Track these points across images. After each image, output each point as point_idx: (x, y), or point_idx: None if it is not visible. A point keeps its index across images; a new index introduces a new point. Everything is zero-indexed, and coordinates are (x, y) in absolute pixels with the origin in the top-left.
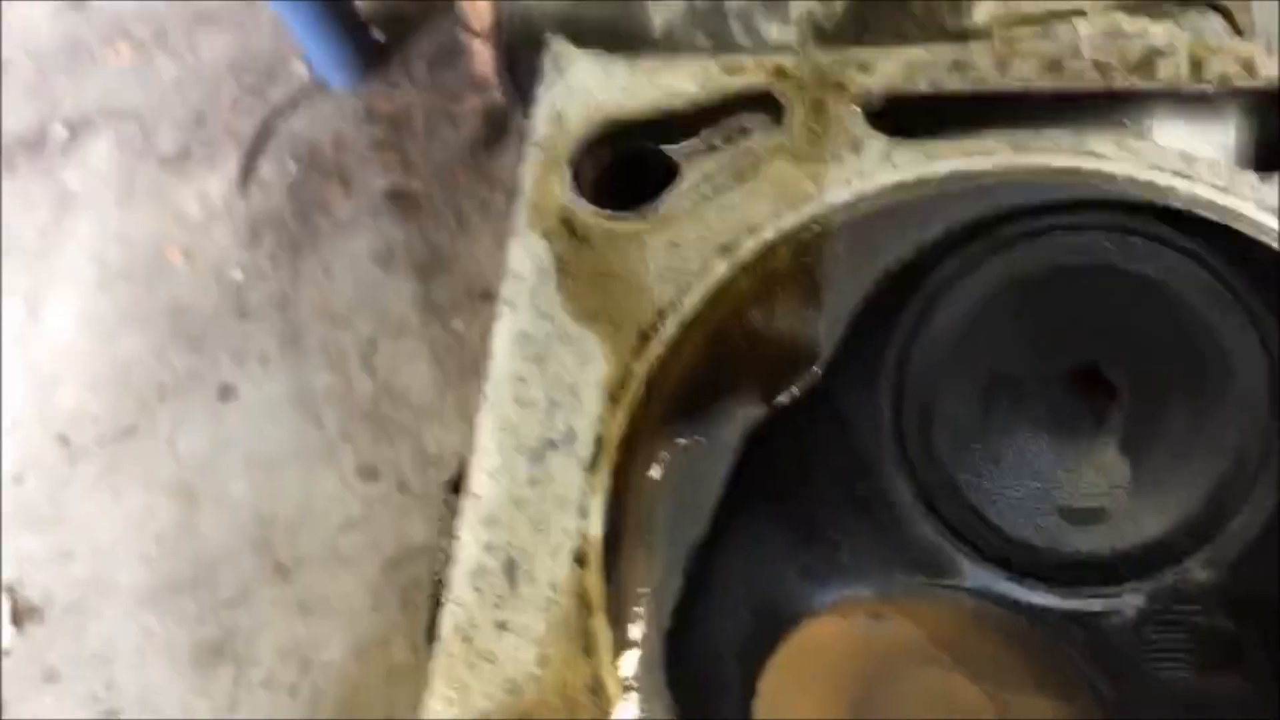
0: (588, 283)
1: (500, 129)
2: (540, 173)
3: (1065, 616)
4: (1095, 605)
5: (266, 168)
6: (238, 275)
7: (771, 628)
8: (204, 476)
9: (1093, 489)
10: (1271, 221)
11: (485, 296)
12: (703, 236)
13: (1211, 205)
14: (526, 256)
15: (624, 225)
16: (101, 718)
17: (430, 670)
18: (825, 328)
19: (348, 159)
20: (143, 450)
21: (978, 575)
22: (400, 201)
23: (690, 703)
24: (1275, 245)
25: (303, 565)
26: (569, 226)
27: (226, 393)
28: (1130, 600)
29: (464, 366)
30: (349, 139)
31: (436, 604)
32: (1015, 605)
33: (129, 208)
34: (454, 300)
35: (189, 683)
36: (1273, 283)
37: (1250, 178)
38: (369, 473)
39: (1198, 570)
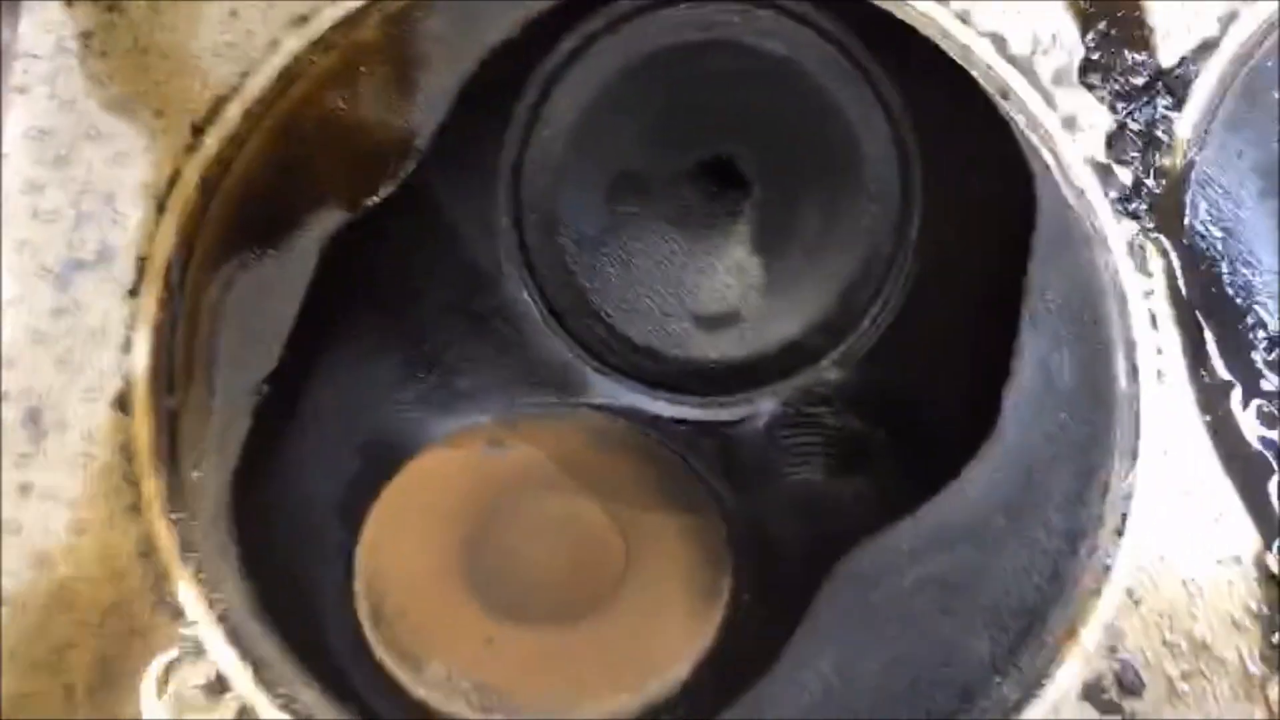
0: (123, 62)
1: None
2: None
3: (696, 428)
4: (727, 414)
5: None
6: None
7: (382, 467)
8: None
9: (725, 291)
10: None
11: None
12: (270, 2)
13: None
14: (41, 29)
15: None
16: None
17: None
18: (420, 115)
19: None
20: None
21: (605, 389)
22: None
23: (271, 558)
24: (904, 19)
25: None
26: None
27: None
28: (763, 406)
29: None
30: None
31: None
32: (646, 419)
33: None
34: None
35: None
36: (898, 55)
37: None
38: None
39: (829, 370)
